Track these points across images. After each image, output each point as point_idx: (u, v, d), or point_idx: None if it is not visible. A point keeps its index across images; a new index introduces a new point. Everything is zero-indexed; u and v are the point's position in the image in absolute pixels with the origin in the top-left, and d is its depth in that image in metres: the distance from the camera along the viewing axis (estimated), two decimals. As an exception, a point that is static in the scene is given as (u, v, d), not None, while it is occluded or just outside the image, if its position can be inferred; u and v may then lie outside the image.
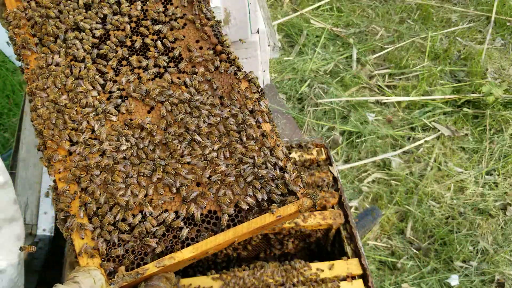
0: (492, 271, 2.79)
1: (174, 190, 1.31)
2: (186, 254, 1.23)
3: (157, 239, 1.26)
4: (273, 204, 1.27)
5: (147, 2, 1.57)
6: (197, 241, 1.26)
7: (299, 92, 3.75)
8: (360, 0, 4.58)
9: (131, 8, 1.55)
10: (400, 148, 3.42)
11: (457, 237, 2.93)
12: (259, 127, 1.38)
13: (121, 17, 1.54)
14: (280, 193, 1.29)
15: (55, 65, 1.45)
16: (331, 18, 4.39)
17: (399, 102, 3.70)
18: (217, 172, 1.32)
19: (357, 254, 1.87)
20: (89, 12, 1.54)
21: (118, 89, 1.45)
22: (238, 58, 1.48)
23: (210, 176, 1.32)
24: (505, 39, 4.21)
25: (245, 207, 1.28)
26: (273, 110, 3.59)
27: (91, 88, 1.44)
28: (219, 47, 1.48)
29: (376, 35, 4.24)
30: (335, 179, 2.05)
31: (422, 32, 4.24)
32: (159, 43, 1.50)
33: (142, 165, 1.33)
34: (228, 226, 1.27)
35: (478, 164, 3.33)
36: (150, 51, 1.49)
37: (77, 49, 1.48)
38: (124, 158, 1.35)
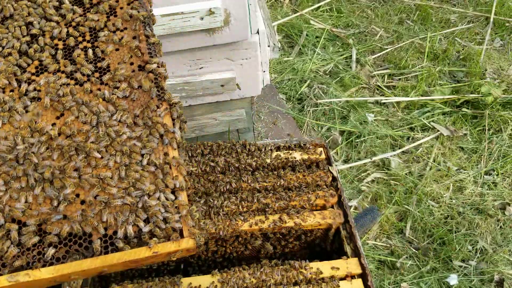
0: (491, 271, 2.80)
1: (55, 203, 1.22)
2: (45, 274, 1.14)
3: (20, 251, 1.16)
4: (153, 239, 1.19)
5: (91, 9, 1.53)
6: (63, 262, 1.16)
7: (299, 93, 3.76)
8: (360, 1, 4.60)
9: (73, 13, 1.52)
10: (399, 148, 3.43)
11: (456, 236, 2.95)
12: (165, 154, 1.31)
13: (61, 19, 1.50)
14: (164, 227, 1.21)
15: None
16: (330, 19, 4.40)
17: (398, 102, 3.71)
18: (106, 192, 1.24)
19: (356, 253, 1.88)
20: (30, 9, 1.50)
21: (35, 89, 1.40)
22: (167, 78, 1.44)
23: (96, 196, 1.24)
24: (504, 40, 4.22)
25: (122, 236, 1.19)
26: (273, 110, 3.60)
27: (7, 83, 1.38)
28: (148, 66, 1.43)
29: (375, 35, 4.26)
30: (334, 179, 2.06)
31: (421, 33, 4.25)
32: (90, 51, 1.46)
33: (30, 170, 1.25)
34: (100, 253, 1.18)
35: (477, 164, 3.34)
36: (79, 57, 1.45)
37: (8, 42, 1.44)
38: (16, 160, 1.26)
